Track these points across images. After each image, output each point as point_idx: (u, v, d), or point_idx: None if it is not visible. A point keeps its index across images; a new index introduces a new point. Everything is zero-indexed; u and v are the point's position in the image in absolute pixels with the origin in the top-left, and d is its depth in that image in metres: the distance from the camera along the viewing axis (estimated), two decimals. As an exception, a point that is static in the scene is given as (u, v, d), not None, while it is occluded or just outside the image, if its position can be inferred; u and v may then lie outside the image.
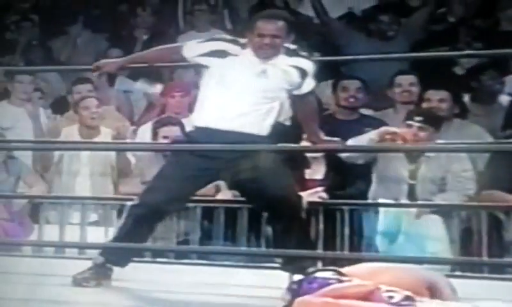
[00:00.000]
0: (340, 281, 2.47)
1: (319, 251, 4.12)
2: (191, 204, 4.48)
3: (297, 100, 3.65)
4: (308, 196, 4.39)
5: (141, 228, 3.44)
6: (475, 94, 5.19)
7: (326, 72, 5.43)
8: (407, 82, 5.06)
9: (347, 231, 4.37)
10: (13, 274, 3.43)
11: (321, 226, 4.38)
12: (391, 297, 2.38)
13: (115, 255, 3.46)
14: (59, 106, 5.70)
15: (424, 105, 4.75)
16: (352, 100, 5.06)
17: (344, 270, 2.61)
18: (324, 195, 4.52)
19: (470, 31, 5.60)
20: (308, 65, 3.59)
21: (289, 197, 3.52)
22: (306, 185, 4.59)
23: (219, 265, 4.19)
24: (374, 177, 4.53)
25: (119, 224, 3.54)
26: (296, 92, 3.61)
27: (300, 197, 3.62)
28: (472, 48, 5.35)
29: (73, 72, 5.67)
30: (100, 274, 3.43)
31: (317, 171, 4.68)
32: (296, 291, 2.57)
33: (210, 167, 3.49)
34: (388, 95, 5.13)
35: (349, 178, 4.64)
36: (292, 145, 4.07)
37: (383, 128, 4.32)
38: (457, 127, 4.78)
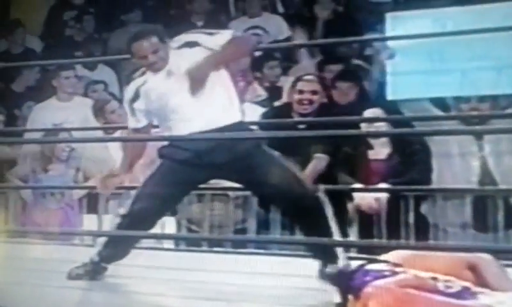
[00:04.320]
0: (395, 273, 2.25)
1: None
2: (247, 193, 4.08)
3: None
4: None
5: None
6: None
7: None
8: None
9: (411, 219, 3.85)
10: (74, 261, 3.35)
11: (383, 214, 3.92)
12: (448, 287, 2.18)
13: (108, 255, 3.33)
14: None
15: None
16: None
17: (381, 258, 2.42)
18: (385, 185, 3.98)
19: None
20: (195, 36, 3.30)
21: (290, 187, 3.14)
22: (369, 166, 4.12)
23: (276, 254, 3.83)
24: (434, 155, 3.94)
25: (112, 228, 3.43)
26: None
27: (304, 185, 3.18)
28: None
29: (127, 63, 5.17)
30: (93, 271, 3.32)
31: (380, 152, 4.14)
32: (345, 283, 2.40)
33: (199, 176, 3.26)
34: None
35: (414, 159, 4.04)
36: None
37: None
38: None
